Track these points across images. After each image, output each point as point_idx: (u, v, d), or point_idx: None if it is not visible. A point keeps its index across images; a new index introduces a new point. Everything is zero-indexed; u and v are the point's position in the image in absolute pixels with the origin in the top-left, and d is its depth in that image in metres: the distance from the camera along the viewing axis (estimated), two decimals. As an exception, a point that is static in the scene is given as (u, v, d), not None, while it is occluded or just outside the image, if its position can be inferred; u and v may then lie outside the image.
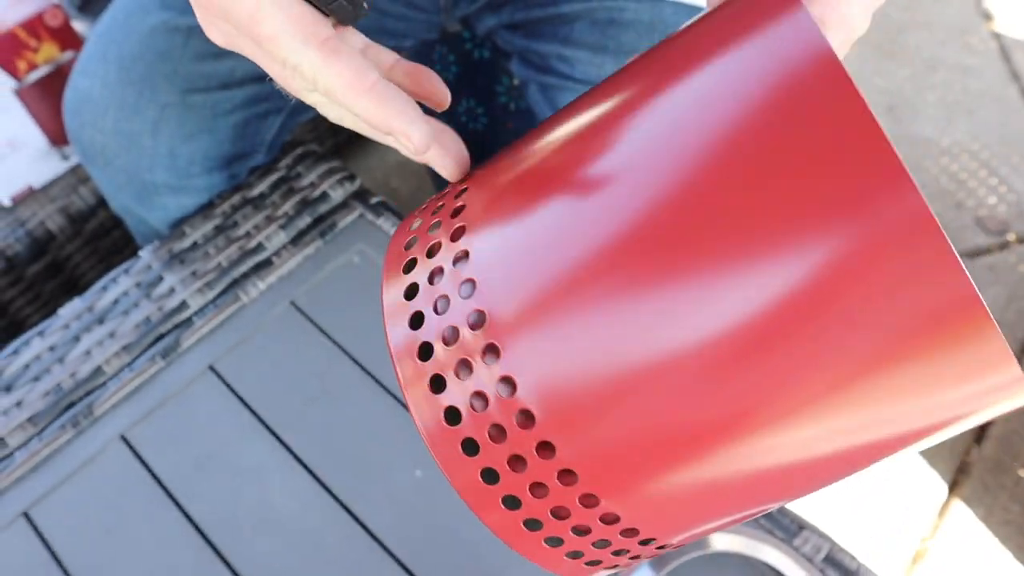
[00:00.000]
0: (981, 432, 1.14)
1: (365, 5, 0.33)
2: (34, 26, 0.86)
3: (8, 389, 0.63)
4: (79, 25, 1.00)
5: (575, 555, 0.28)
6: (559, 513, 0.26)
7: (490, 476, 0.26)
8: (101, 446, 0.60)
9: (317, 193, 0.70)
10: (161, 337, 0.64)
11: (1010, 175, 1.42)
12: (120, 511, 0.57)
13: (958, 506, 1.08)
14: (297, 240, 0.67)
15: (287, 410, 0.60)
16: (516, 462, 0.26)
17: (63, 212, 0.94)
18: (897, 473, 1.11)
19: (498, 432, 0.26)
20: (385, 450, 0.58)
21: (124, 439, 0.60)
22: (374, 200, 0.69)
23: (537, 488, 0.26)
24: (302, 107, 0.72)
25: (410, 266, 0.29)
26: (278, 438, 0.59)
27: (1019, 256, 1.32)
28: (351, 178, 0.71)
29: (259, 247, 0.67)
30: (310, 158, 0.72)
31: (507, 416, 0.25)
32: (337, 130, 1.14)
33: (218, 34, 0.34)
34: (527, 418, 0.25)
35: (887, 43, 1.62)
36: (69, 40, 0.89)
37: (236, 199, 0.70)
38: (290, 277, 0.66)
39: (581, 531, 0.27)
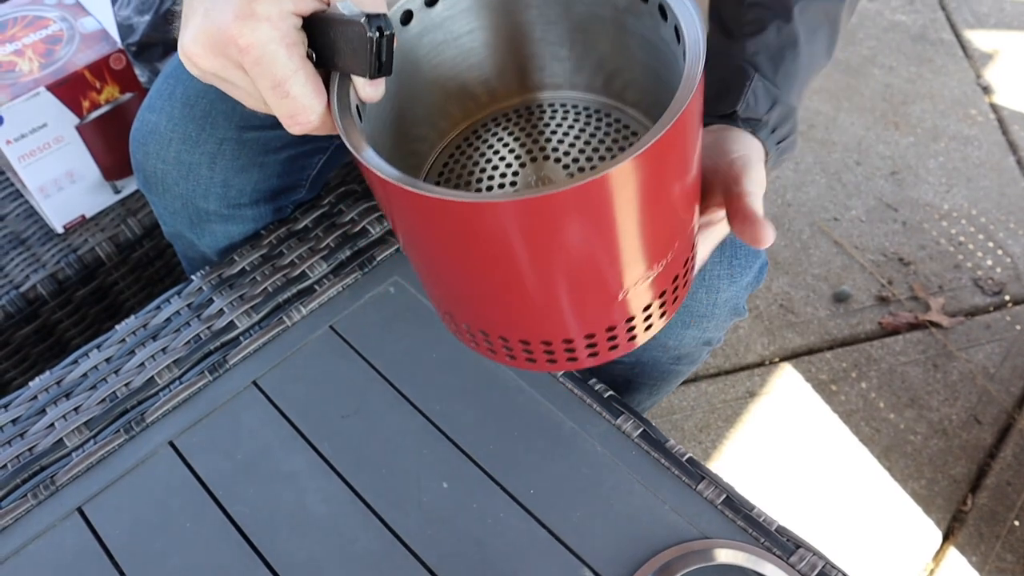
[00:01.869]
0: (976, 482, 1.18)
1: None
2: (100, 68, 0.93)
3: (68, 396, 0.68)
4: (136, 70, 1.08)
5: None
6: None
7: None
8: (151, 451, 0.65)
9: (357, 228, 0.76)
10: (209, 354, 0.70)
11: (1006, 240, 1.48)
12: (167, 510, 0.62)
13: (953, 555, 1.12)
14: (337, 271, 0.73)
15: (324, 423, 0.65)
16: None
17: (112, 241, 1.00)
18: (892, 521, 1.15)
19: None
20: (414, 463, 0.63)
21: (172, 445, 0.65)
22: (409, 236, 0.75)
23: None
24: (344, 148, 0.78)
25: None
26: (315, 449, 0.64)
27: (1014, 316, 1.37)
28: (388, 215, 0.77)
29: (302, 275, 0.73)
30: (351, 196, 0.78)
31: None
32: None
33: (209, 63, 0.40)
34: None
35: (891, 113, 1.70)
36: (129, 82, 0.96)
37: (283, 231, 0.76)
38: (330, 304, 0.72)
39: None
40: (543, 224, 0.36)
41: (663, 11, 0.42)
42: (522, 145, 0.50)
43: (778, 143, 0.51)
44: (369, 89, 0.40)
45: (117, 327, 0.73)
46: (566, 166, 0.48)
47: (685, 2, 0.41)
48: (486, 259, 0.39)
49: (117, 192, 1.03)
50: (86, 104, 0.95)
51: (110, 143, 0.99)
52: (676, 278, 0.45)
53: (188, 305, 0.73)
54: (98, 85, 0.94)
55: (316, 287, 0.73)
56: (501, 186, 0.49)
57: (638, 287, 0.42)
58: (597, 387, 0.66)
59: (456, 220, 0.37)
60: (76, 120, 0.95)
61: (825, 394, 1.26)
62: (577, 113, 0.51)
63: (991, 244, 1.47)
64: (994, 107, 1.73)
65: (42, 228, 1.02)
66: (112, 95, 0.96)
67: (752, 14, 0.49)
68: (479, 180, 0.49)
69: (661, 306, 0.45)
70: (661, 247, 0.41)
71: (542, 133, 0.50)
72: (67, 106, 0.93)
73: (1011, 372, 1.30)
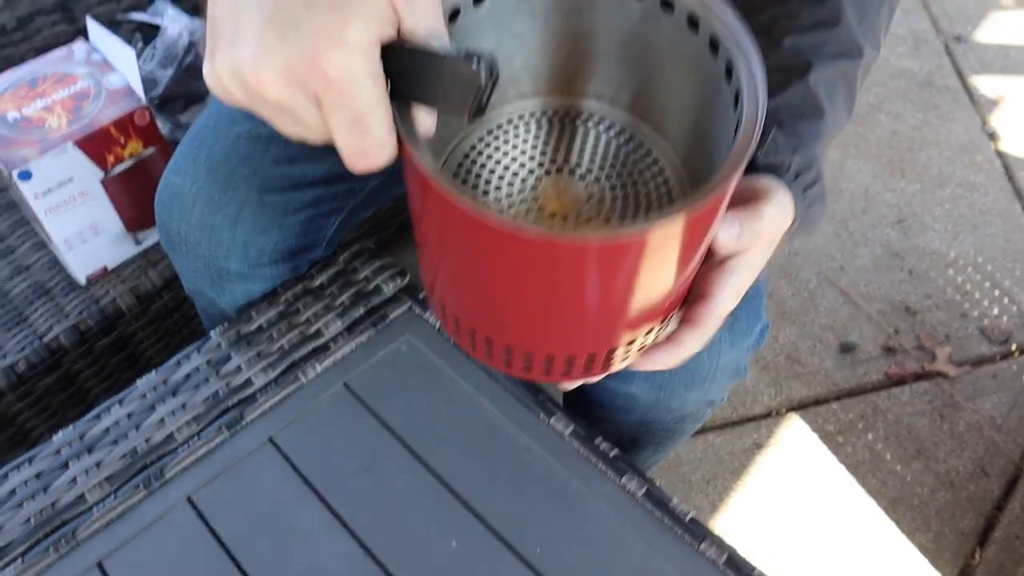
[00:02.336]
0: (984, 535, 1.18)
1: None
2: (124, 124, 0.97)
3: (90, 450, 0.70)
4: (158, 121, 1.11)
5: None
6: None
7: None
8: (169, 506, 0.67)
9: (371, 287, 0.78)
10: (227, 410, 0.72)
11: (1012, 288, 1.49)
12: (184, 565, 0.64)
13: (961, 607, 1.12)
14: (352, 328, 0.76)
15: (337, 481, 0.67)
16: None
17: (132, 292, 1.03)
18: (900, 575, 1.15)
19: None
20: (424, 520, 0.64)
21: (190, 501, 0.67)
22: (422, 295, 0.77)
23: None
24: (360, 208, 0.81)
25: None
26: (328, 506, 0.66)
27: (1021, 366, 1.38)
28: (402, 274, 0.79)
29: (317, 333, 0.75)
30: (365, 254, 0.81)
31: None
32: (385, 225, 1.24)
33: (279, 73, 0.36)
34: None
35: (897, 160, 1.72)
36: (152, 137, 1.00)
37: (299, 288, 0.79)
38: (344, 362, 0.74)
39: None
40: (603, 264, 0.38)
41: (713, 45, 0.43)
42: (543, 152, 0.51)
43: (804, 190, 0.50)
44: (430, 121, 0.39)
45: (138, 382, 0.75)
46: (583, 179, 0.49)
47: (740, 41, 0.42)
48: (525, 285, 0.41)
49: (138, 244, 1.06)
50: (111, 158, 0.98)
51: (133, 196, 1.02)
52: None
53: (207, 361, 0.76)
54: (123, 140, 0.98)
55: (331, 344, 0.75)
56: (521, 191, 0.49)
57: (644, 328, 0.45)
58: (602, 446, 0.67)
59: (519, 251, 0.37)
60: (101, 174, 0.98)
61: (832, 445, 1.27)
62: (604, 127, 0.51)
63: (997, 292, 1.49)
64: (1000, 153, 1.75)
65: (65, 279, 1.05)
66: (136, 150, 0.99)
67: (771, 78, 0.51)
68: (500, 179, 0.50)
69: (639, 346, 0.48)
70: (683, 289, 0.45)
71: (564, 141, 0.51)
72: (93, 160, 0.97)
73: (1018, 423, 1.30)
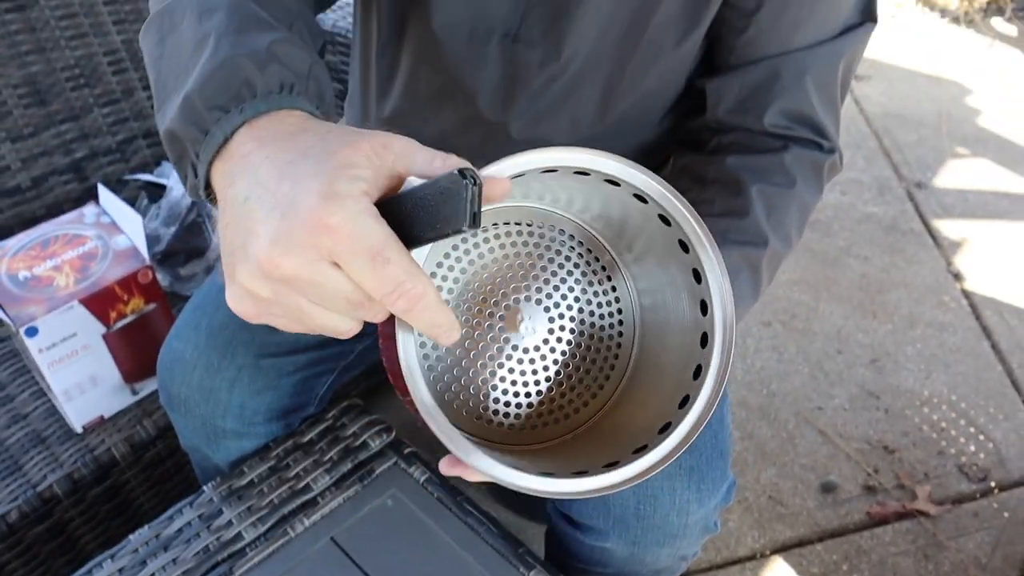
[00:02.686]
0: None
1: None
2: (128, 283, 1.02)
3: (81, 608, 0.72)
4: (159, 275, 1.17)
5: None
6: None
7: None
8: (157, 665, 0.68)
9: (359, 442, 0.82)
10: (217, 565, 0.74)
11: (987, 425, 1.53)
12: None
13: None
14: (339, 483, 0.79)
15: (323, 638, 0.69)
16: None
17: (127, 441, 1.06)
18: None
19: None
20: None
21: (178, 659, 0.68)
22: (407, 450, 0.81)
23: None
24: (351, 367, 0.85)
25: None
26: (313, 664, 0.67)
27: (1001, 503, 1.40)
28: (388, 430, 0.83)
29: (306, 488, 0.79)
30: (354, 411, 0.85)
31: None
32: (373, 373, 1.29)
33: (297, 262, 0.38)
34: None
35: (868, 302, 1.79)
36: (153, 294, 1.05)
37: (289, 444, 0.82)
38: (332, 516, 0.77)
39: None
40: None
41: (696, 275, 0.49)
42: (523, 275, 0.54)
43: None
44: (455, 334, 0.41)
45: (131, 536, 0.77)
46: (549, 311, 0.55)
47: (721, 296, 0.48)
48: None
49: (135, 394, 1.10)
50: (113, 314, 1.03)
51: (133, 349, 1.07)
52: None
53: (199, 516, 0.78)
54: (125, 297, 1.03)
55: (319, 499, 0.78)
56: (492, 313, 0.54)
57: None
58: (582, 601, 0.70)
59: None
60: (103, 329, 1.03)
61: (817, 587, 1.28)
62: (577, 258, 0.56)
63: (972, 430, 1.52)
64: (966, 293, 1.82)
65: (62, 427, 1.08)
66: (137, 306, 1.05)
67: None
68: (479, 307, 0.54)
69: None
70: None
71: (542, 268, 0.55)
72: (96, 317, 1.02)
73: (1003, 562, 1.32)
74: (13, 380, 1.15)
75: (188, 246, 1.25)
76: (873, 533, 1.35)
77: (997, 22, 3.05)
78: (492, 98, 0.69)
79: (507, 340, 0.55)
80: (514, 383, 0.55)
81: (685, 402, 0.49)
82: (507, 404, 0.55)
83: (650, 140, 0.75)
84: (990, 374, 1.63)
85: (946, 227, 2.00)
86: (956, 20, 3.05)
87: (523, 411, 0.55)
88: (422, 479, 0.79)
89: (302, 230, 0.37)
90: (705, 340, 0.49)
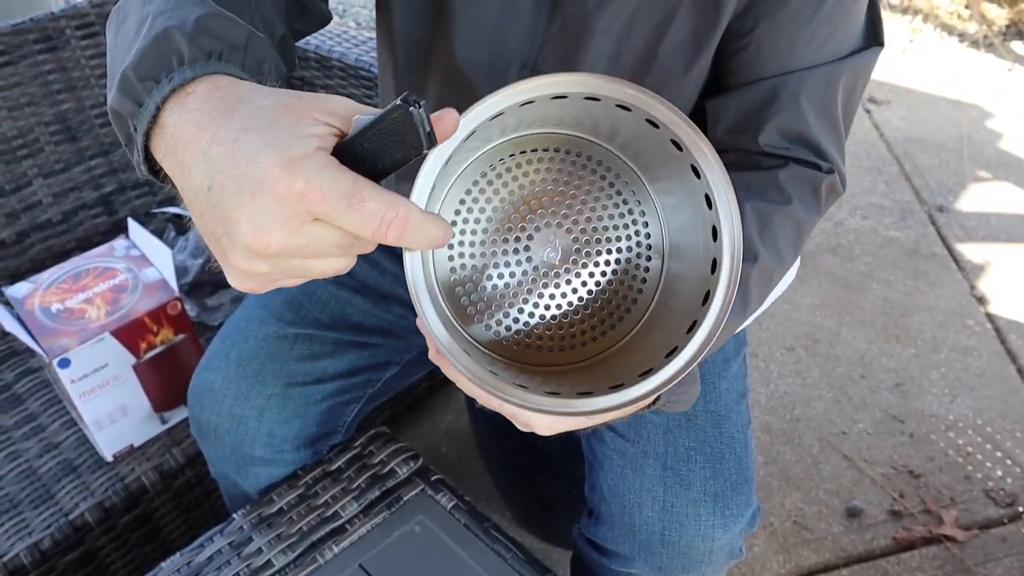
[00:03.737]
0: None
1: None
2: (157, 315, 1.04)
3: (115, 636, 0.73)
4: (186, 305, 1.20)
5: None
6: None
7: None
8: None
9: (386, 470, 0.83)
10: (247, 593, 0.75)
11: (1014, 449, 1.51)
12: None
13: None
14: (367, 510, 0.80)
15: (352, 664, 0.69)
16: None
17: (157, 469, 1.07)
18: None
19: None
20: None
21: None
22: (434, 477, 0.82)
23: None
24: (377, 395, 0.87)
25: None
26: None
27: (1030, 529, 1.39)
28: (415, 457, 0.84)
29: (335, 515, 0.80)
30: (381, 438, 0.86)
31: None
32: (399, 400, 1.30)
33: (283, 234, 0.40)
34: None
35: (892, 326, 1.79)
36: (182, 325, 1.07)
37: (318, 472, 0.83)
38: (360, 543, 0.77)
39: None
40: None
41: (708, 201, 0.50)
42: (543, 200, 0.55)
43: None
44: (448, 232, 0.42)
45: (163, 564, 0.78)
46: (571, 232, 0.56)
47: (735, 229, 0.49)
48: None
49: (164, 423, 1.12)
50: (143, 345, 1.05)
51: (162, 379, 1.09)
52: None
53: (229, 543, 0.79)
54: (155, 329, 1.05)
55: (348, 526, 0.79)
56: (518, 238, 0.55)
57: None
58: (608, 627, 0.70)
59: None
60: (133, 360, 1.05)
61: (843, 614, 1.27)
62: (608, 183, 0.56)
63: (999, 454, 1.51)
64: (990, 317, 1.81)
65: (93, 456, 1.10)
66: (167, 337, 1.07)
67: None
68: (491, 215, 0.55)
69: None
70: None
71: (566, 185, 0.56)
72: (126, 348, 1.04)
73: (1031, 588, 1.30)
74: (45, 410, 1.17)
75: (215, 277, 1.27)
76: (899, 558, 1.34)
77: (1017, 45, 3.05)
78: None
79: (530, 261, 0.56)
80: (536, 304, 0.56)
81: (692, 328, 0.50)
82: (526, 324, 0.56)
83: None
84: (1016, 398, 1.62)
85: (969, 251, 1.99)
86: (975, 44, 3.05)
87: (542, 331, 0.56)
88: (449, 506, 0.80)
89: (275, 204, 0.39)
90: (715, 266, 0.50)
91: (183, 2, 0.47)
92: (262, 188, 0.39)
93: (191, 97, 0.43)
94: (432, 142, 0.40)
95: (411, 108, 0.39)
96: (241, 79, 0.45)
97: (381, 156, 0.41)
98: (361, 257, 0.82)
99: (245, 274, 0.42)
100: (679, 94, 0.69)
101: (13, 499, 1.05)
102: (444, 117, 0.43)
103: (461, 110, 0.45)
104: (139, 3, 0.49)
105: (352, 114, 0.42)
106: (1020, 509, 1.42)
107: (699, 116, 0.73)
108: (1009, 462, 1.50)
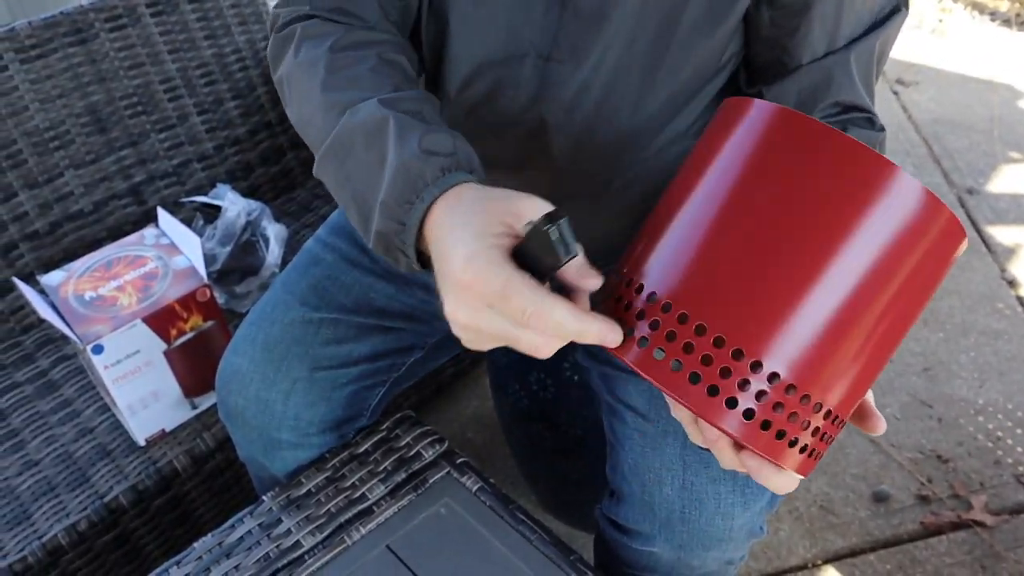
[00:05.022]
0: None
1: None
2: (187, 302, 1.06)
3: (150, 613, 0.75)
4: (215, 292, 1.21)
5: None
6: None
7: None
8: (222, 668, 0.71)
9: (412, 452, 0.84)
10: (277, 572, 0.77)
11: (1045, 435, 1.50)
12: None
13: None
14: (394, 492, 0.81)
15: (380, 642, 0.71)
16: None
17: (188, 453, 1.10)
18: None
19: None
20: None
21: (241, 662, 0.71)
22: (459, 460, 0.83)
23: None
24: (402, 379, 0.88)
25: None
26: (371, 667, 0.69)
27: (1061, 514, 1.37)
28: (440, 440, 0.85)
29: (362, 497, 0.81)
30: (407, 422, 0.87)
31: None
32: (425, 385, 1.32)
33: (467, 316, 0.49)
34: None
35: (918, 308, 1.77)
36: (211, 311, 1.09)
37: (345, 455, 0.85)
38: (387, 524, 0.79)
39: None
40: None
41: None
42: None
43: None
44: (612, 335, 0.48)
45: (195, 544, 0.80)
46: None
47: None
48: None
49: (194, 408, 1.14)
50: (173, 332, 1.07)
51: (192, 365, 1.11)
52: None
53: (259, 524, 0.81)
54: (185, 315, 1.07)
55: (374, 508, 0.80)
56: None
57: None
58: (632, 607, 0.71)
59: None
60: (164, 346, 1.07)
61: (870, 598, 1.27)
62: None
63: (1030, 439, 1.50)
64: (1021, 300, 1.79)
65: (126, 440, 1.12)
66: (196, 323, 1.09)
67: None
68: None
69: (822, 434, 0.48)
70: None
71: None
72: (157, 334, 1.06)
73: (1062, 573, 1.29)
74: (79, 396, 1.20)
75: (243, 264, 1.29)
76: (927, 543, 1.33)
77: (1049, 23, 2.99)
78: (528, 112, 0.72)
79: None
80: None
81: None
82: None
83: (683, 129, 0.76)
84: (1047, 382, 1.60)
85: (999, 233, 1.97)
86: (1007, 23, 3.00)
87: None
88: (475, 488, 0.81)
89: (456, 291, 0.49)
90: None
91: (403, 131, 0.57)
92: (449, 279, 0.49)
93: (438, 209, 0.53)
94: (570, 252, 0.46)
95: (546, 228, 0.45)
96: (471, 182, 0.55)
97: (537, 261, 0.48)
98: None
99: (458, 330, 0.51)
100: (699, 64, 0.70)
101: (51, 482, 1.08)
102: (584, 279, 0.49)
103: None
104: (362, 142, 0.59)
105: (538, 215, 0.47)
106: (1051, 494, 1.41)
107: (726, 91, 0.74)
108: (1040, 446, 1.48)
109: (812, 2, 0.65)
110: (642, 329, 0.47)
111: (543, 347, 0.49)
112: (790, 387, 0.44)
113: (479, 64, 0.70)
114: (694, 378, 0.45)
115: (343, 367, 0.80)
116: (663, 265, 0.48)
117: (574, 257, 0.46)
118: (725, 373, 0.44)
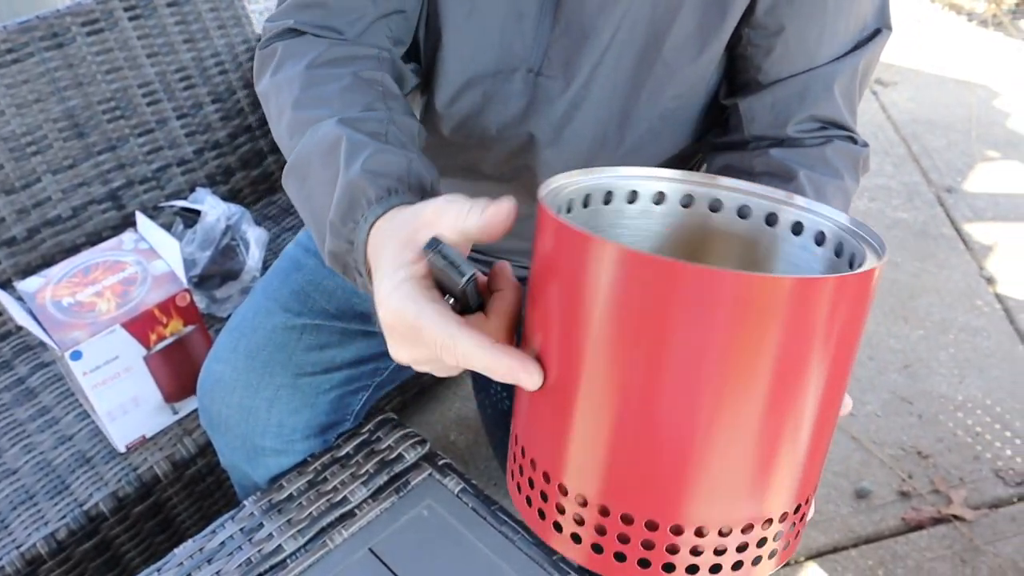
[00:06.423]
0: None
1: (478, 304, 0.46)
2: (167, 306, 1.05)
3: (130, 621, 0.75)
4: (195, 297, 1.21)
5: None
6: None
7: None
8: (204, 674, 0.70)
9: (394, 455, 0.84)
10: (259, 577, 0.76)
11: (1023, 429, 1.51)
12: None
13: None
14: (376, 495, 0.81)
15: (363, 646, 0.70)
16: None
17: (169, 459, 1.09)
18: None
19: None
20: None
21: (223, 669, 0.70)
22: (441, 462, 0.83)
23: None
24: (385, 383, 0.88)
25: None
26: (354, 671, 0.69)
27: (1039, 508, 1.39)
28: (422, 442, 0.85)
29: (344, 500, 0.81)
30: (388, 424, 0.87)
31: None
32: (407, 388, 1.31)
33: (405, 354, 0.47)
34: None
35: (899, 307, 1.78)
36: (191, 316, 1.08)
37: (327, 458, 0.84)
38: (369, 527, 0.78)
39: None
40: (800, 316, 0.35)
41: (838, 252, 0.45)
42: None
43: None
44: (522, 376, 0.42)
45: (176, 551, 0.80)
46: None
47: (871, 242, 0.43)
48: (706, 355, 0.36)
49: (175, 413, 1.13)
50: (153, 337, 1.06)
51: (172, 370, 1.10)
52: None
53: (240, 529, 0.81)
54: (165, 320, 1.06)
55: (356, 511, 0.80)
56: None
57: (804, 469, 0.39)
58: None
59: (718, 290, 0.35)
60: (143, 351, 1.06)
61: (853, 593, 1.28)
62: None
63: (1008, 434, 1.51)
64: (999, 297, 1.81)
65: (106, 447, 1.11)
66: (176, 328, 1.08)
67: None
68: None
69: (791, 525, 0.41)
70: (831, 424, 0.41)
71: None
72: (137, 339, 1.05)
73: (1041, 567, 1.30)
74: (58, 403, 1.19)
75: (223, 269, 1.28)
76: (908, 538, 1.35)
77: (1024, 23, 3.03)
78: (517, 126, 0.72)
79: None
80: None
81: None
82: None
83: (673, 154, 0.77)
84: (1025, 378, 1.62)
85: (977, 231, 1.99)
86: (984, 23, 3.03)
87: None
88: (456, 490, 0.81)
89: (386, 332, 0.47)
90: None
91: (352, 152, 0.56)
92: (379, 320, 0.47)
93: (376, 229, 0.52)
94: (463, 275, 0.43)
95: (430, 258, 0.44)
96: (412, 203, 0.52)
97: (445, 286, 0.45)
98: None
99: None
100: (686, 86, 0.70)
101: (29, 490, 1.07)
102: (497, 213, 0.45)
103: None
104: (320, 163, 0.58)
105: (455, 232, 0.46)
106: (1029, 488, 1.42)
107: (717, 113, 0.74)
108: (1019, 442, 1.50)
109: (787, 24, 0.65)
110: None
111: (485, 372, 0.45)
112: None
113: (470, 77, 0.70)
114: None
115: (326, 373, 0.80)
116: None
117: (472, 277, 0.44)
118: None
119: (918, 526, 1.36)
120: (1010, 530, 1.35)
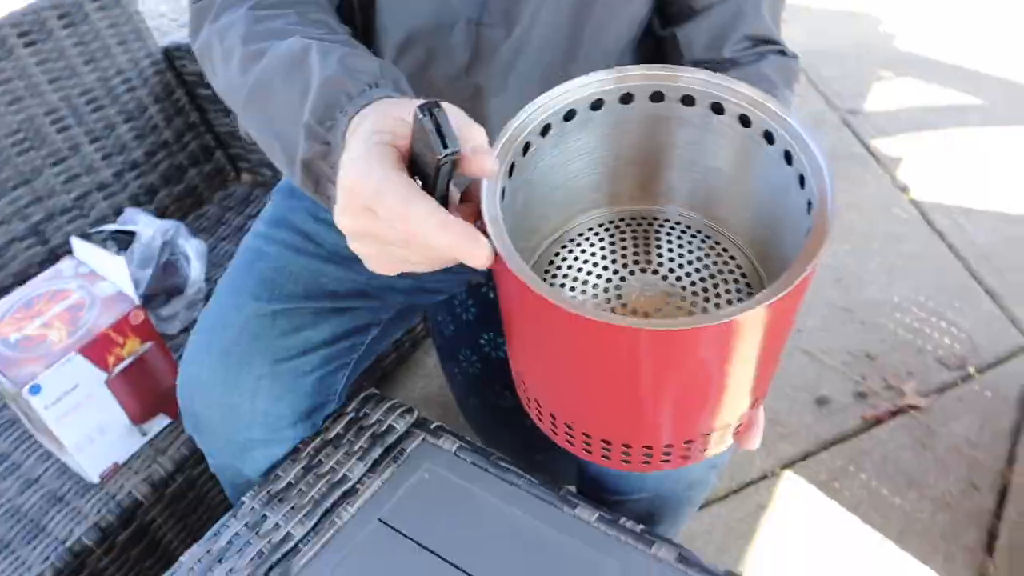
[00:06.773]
0: (990, 545, 1.24)
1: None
2: (121, 327, 1.03)
3: (150, 633, 0.73)
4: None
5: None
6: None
7: None
8: (237, 669, 0.70)
9: (384, 427, 0.84)
10: (273, 567, 0.76)
11: (956, 318, 1.60)
12: None
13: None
14: (374, 468, 0.81)
15: (391, 610, 0.71)
16: None
17: (147, 481, 1.07)
18: (924, 604, 1.19)
19: None
20: (481, 629, 0.69)
21: (255, 659, 0.70)
22: (433, 425, 0.84)
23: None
24: (363, 358, 0.88)
25: None
26: (388, 635, 0.70)
27: (982, 384, 1.48)
28: (410, 411, 0.86)
29: (344, 478, 0.81)
30: (373, 400, 0.87)
31: None
32: (385, 358, 1.31)
33: (350, 222, 0.46)
34: None
35: (823, 224, 1.85)
36: (148, 334, 1.06)
37: (318, 442, 0.84)
38: (374, 499, 0.79)
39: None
40: (683, 351, 0.44)
41: (788, 157, 0.49)
42: (623, 255, 0.56)
43: None
44: (485, 163, 0.44)
45: (183, 557, 0.79)
46: (666, 279, 0.54)
47: (814, 152, 0.47)
48: (611, 374, 0.47)
49: (144, 435, 1.11)
50: (111, 359, 1.04)
51: (136, 391, 1.07)
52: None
53: (245, 525, 0.80)
54: (121, 341, 1.04)
55: (358, 486, 0.80)
56: (606, 292, 0.54)
57: (734, 412, 0.50)
58: (628, 524, 0.73)
59: (598, 340, 0.44)
60: (104, 375, 1.04)
61: (830, 492, 1.34)
62: (682, 231, 0.57)
63: (944, 324, 1.60)
64: (914, 203, 1.90)
65: (78, 482, 1.08)
66: (134, 348, 1.06)
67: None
68: (584, 283, 0.55)
69: (733, 430, 0.53)
70: (767, 379, 0.51)
71: (647, 244, 0.56)
72: (95, 364, 1.02)
73: (992, 437, 1.39)
74: (16, 448, 1.15)
75: (167, 286, 1.26)
76: (871, 434, 1.42)
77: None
78: (463, 78, 0.73)
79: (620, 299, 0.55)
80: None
81: None
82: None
83: None
84: (950, 272, 1.71)
85: (884, 145, 2.08)
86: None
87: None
88: (453, 448, 0.82)
89: (341, 195, 0.46)
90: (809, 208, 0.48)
91: (326, 54, 0.55)
92: (338, 184, 0.46)
93: (351, 123, 0.50)
94: (449, 147, 0.42)
95: (421, 118, 0.42)
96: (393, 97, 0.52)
97: (423, 160, 0.45)
98: (327, 224, 0.83)
99: (360, 255, 0.48)
100: (624, 23, 0.72)
101: (2, 539, 1.03)
102: (481, 160, 0.45)
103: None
104: (283, 78, 0.56)
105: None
106: (970, 370, 1.51)
107: (651, 44, 0.76)
108: (954, 330, 1.58)
109: None
110: None
111: (422, 264, 0.47)
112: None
113: (409, 33, 0.70)
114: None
115: (304, 355, 0.80)
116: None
117: (456, 152, 0.42)
118: None
119: (877, 421, 1.43)
120: (959, 409, 1.44)
